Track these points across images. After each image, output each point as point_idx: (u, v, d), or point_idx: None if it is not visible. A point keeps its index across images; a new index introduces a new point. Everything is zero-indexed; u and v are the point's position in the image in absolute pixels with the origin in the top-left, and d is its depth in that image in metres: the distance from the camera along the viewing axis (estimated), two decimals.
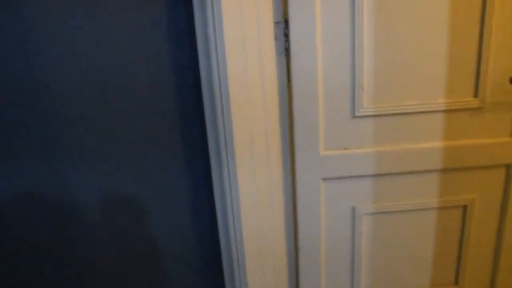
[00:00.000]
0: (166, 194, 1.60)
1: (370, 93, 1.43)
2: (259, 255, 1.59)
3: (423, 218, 1.61)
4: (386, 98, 1.44)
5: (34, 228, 1.61)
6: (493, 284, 1.73)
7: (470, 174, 1.56)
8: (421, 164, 1.52)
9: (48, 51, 1.39)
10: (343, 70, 1.40)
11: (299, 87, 1.39)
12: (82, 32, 1.38)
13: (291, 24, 1.33)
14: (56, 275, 1.69)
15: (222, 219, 1.57)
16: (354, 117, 1.45)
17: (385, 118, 1.46)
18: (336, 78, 1.41)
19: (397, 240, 1.64)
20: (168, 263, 1.71)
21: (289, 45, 1.36)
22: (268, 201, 1.52)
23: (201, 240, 1.68)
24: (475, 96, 1.47)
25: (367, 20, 1.35)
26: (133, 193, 1.59)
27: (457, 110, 1.47)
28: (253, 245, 1.57)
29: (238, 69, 1.36)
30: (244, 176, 1.47)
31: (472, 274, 1.71)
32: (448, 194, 1.58)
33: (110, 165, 1.54)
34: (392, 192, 1.56)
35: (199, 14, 1.34)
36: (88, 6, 1.35)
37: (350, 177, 1.52)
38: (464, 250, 1.66)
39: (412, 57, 1.41)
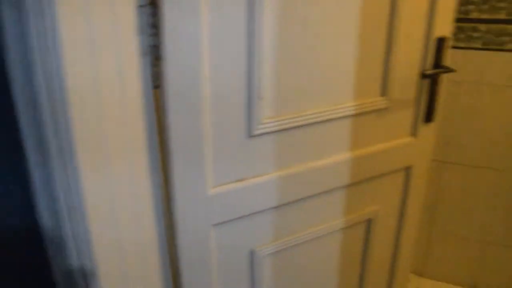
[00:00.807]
0: None
1: (269, 103, 1.04)
2: None
3: (328, 244, 1.32)
4: (289, 107, 1.07)
5: None
6: None
7: (373, 184, 1.32)
8: (328, 183, 1.22)
9: None
10: (237, 75, 0.98)
11: (175, 102, 0.92)
12: None
13: (165, 8, 0.83)
14: None
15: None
16: (251, 136, 1.05)
17: (288, 133, 1.10)
18: (227, 86, 0.97)
19: (301, 272, 1.32)
20: None
21: (160, 40, 0.87)
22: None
23: None
24: (383, 95, 1.21)
25: (268, 13, 0.95)
26: None
27: (365, 113, 1.19)
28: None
29: (80, 76, 0.81)
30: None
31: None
32: (353, 211, 1.32)
33: None
34: (296, 222, 1.22)
35: None
36: None
37: (249, 215, 1.13)
38: (367, 267, 1.45)
39: (317, 57, 1.06)
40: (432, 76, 1.20)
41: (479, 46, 1.66)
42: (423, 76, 1.18)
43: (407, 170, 1.37)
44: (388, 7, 1.12)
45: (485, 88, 1.70)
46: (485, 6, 1.61)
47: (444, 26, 1.22)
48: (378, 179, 1.32)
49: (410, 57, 1.21)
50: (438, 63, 1.24)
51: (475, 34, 1.65)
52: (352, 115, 1.17)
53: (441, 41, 1.22)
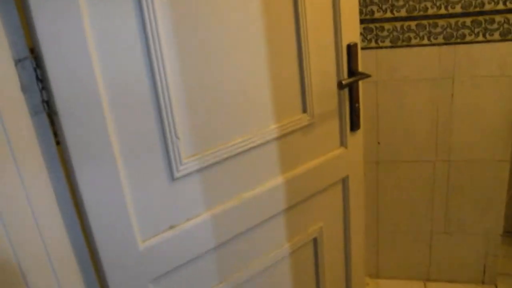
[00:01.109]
0: None
1: (188, 141, 0.96)
2: None
3: (279, 271, 1.26)
4: (209, 142, 1.00)
5: None
6: None
7: (313, 202, 1.28)
8: (265, 211, 1.15)
9: None
10: (147, 119, 0.89)
11: (80, 159, 0.81)
12: None
13: (47, 58, 0.74)
14: None
15: None
16: (175, 179, 0.96)
17: (214, 168, 1.02)
18: (139, 133, 0.89)
19: None
20: None
21: (49, 94, 0.77)
22: None
23: None
24: (304, 111, 1.17)
25: (167, 50, 0.88)
26: None
27: (290, 133, 1.15)
28: None
29: None
30: None
31: None
32: (297, 233, 1.26)
33: None
34: (241, 258, 1.15)
35: None
36: None
37: (188, 262, 1.04)
38: (322, 284, 1.39)
39: (227, 85, 1.00)
40: (349, 84, 1.18)
41: (389, 44, 1.69)
42: (340, 86, 1.16)
43: (344, 180, 1.34)
44: (293, 19, 1.08)
45: (402, 84, 1.73)
46: (386, 5, 1.64)
47: (352, 32, 1.21)
48: (317, 196, 1.27)
49: (325, 68, 1.18)
50: (353, 70, 1.22)
51: (383, 34, 1.68)
52: (278, 137, 1.12)
53: (351, 48, 1.21)
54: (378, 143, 1.83)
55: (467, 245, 1.94)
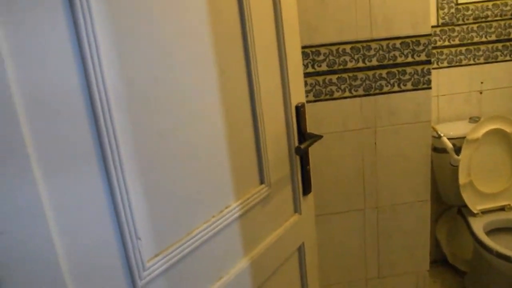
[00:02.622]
0: None
1: (150, 240, 0.77)
2: None
3: None
4: (172, 236, 0.82)
5: None
6: None
7: (275, 278, 1.13)
8: None
9: None
10: (103, 224, 0.69)
11: None
12: None
13: None
14: None
15: None
16: None
17: (179, 266, 0.84)
18: (94, 239, 0.68)
19: None
20: None
21: None
22: None
23: None
24: (262, 182, 1.04)
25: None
26: None
27: (250, 209, 1.01)
28: None
29: None
30: None
31: None
32: None
33: None
34: None
35: None
36: None
37: None
38: None
39: (183, 170, 0.84)
40: (306, 148, 1.09)
41: (312, 99, 1.66)
42: (298, 151, 1.06)
43: (300, 248, 1.22)
44: (247, 89, 0.97)
45: (328, 137, 1.70)
46: (307, 60, 1.62)
47: (298, 92, 1.13)
48: (278, 271, 1.14)
49: (277, 131, 1.08)
50: (302, 131, 1.14)
51: (306, 88, 1.64)
52: (239, 216, 0.97)
53: (299, 108, 1.12)
54: None
55: (399, 285, 1.94)
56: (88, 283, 0.68)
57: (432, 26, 2.02)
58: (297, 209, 1.19)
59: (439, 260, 2.38)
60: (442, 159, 2.04)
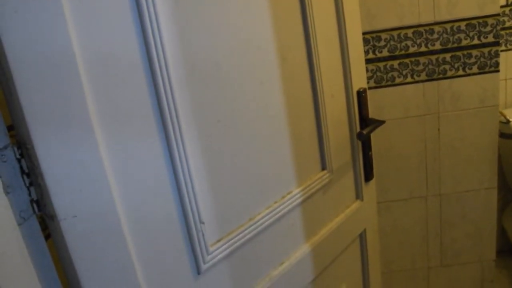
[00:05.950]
0: None
1: (213, 225, 0.75)
2: None
3: None
4: (234, 220, 0.79)
5: None
6: None
7: (336, 264, 1.08)
8: (296, 286, 0.94)
9: None
10: (166, 207, 0.67)
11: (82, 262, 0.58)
12: None
13: (38, 144, 0.51)
14: None
15: None
16: (200, 273, 0.74)
17: (241, 251, 0.81)
18: (158, 221, 0.66)
19: None
20: None
21: (42, 190, 0.54)
22: None
23: None
24: (323, 168, 0.99)
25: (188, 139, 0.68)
26: None
27: (311, 195, 0.96)
28: None
29: None
30: None
31: None
32: None
33: None
34: None
35: None
36: None
37: None
38: None
39: (248, 156, 0.81)
40: (369, 134, 1.02)
41: (373, 85, 1.57)
42: (361, 136, 0.99)
43: (361, 235, 1.16)
44: (307, 67, 0.91)
45: (390, 123, 1.60)
46: (368, 46, 1.52)
47: (360, 77, 1.06)
48: (339, 257, 1.08)
49: (338, 117, 1.01)
50: (364, 117, 1.06)
51: (367, 74, 1.55)
52: (301, 202, 0.93)
53: (360, 94, 1.05)
54: None
55: (463, 274, 1.81)
56: (154, 266, 0.67)
57: (501, 6, 1.84)
58: (359, 196, 1.12)
59: (506, 250, 2.20)
60: (510, 145, 1.87)
